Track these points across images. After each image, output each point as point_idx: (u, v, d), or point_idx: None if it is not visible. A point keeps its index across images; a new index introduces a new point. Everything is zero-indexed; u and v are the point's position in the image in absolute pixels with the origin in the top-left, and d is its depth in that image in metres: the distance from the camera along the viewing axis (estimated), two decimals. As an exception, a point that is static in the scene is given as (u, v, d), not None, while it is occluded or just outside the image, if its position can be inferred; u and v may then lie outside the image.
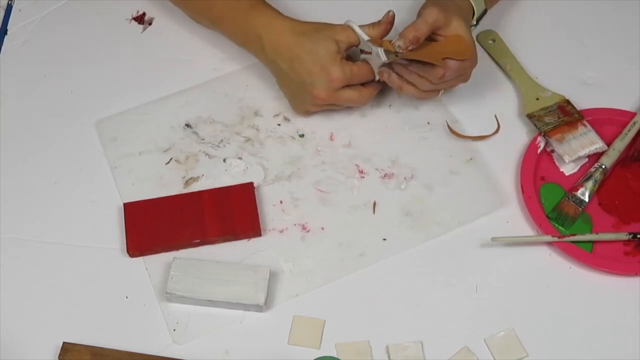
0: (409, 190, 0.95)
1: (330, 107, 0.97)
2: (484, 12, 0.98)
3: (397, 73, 0.93)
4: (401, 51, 0.89)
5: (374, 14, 0.95)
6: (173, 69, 1.03)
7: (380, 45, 0.90)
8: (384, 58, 0.91)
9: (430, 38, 0.92)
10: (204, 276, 0.87)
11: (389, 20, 0.94)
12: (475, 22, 0.97)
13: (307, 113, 0.99)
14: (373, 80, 0.95)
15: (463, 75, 0.94)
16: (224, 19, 0.98)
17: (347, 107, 0.98)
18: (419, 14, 0.91)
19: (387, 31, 0.94)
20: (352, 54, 0.96)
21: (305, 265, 0.90)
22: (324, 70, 0.91)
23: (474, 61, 0.93)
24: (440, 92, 0.96)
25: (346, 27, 0.93)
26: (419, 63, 0.91)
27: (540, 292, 0.89)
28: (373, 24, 0.94)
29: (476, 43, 0.95)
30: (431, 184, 0.95)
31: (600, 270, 0.90)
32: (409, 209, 0.94)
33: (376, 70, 0.94)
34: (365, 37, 0.92)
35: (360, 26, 0.93)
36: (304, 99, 0.96)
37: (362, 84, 0.95)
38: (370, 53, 0.93)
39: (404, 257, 0.91)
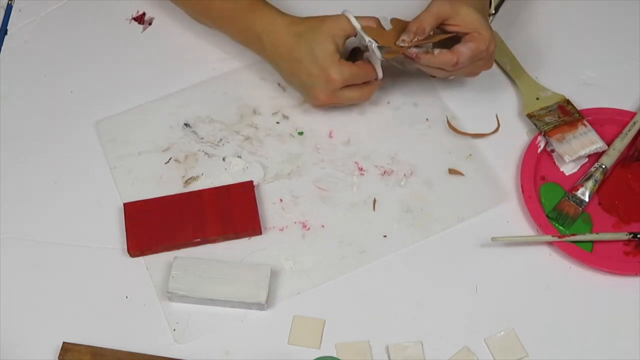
0: (408, 187, 0.95)
1: (333, 105, 0.97)
2: (502, 1, 0.97)
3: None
4: (405, 45, 0.89)
5: (374, 12, 0.95)
6: (172, 68, 1.03)
7: (386, 45, 0.90)
8: (378, 54, 0.91)
9: (444, 31, 0.92)
10: (205, 275, 0.87)
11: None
12: (494, 11, 0.97)
13: (317, 107, 0.99)
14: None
15: (483, 60, 0.93)
16: (224, 20, 0.98)
17: (348, 104, 0.98)
18: (426, 7, 0.91)
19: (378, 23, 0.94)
20: (353, 45, 0.95)
21: (306, 263, 0.90)
22: (322, 71, 0.91)
23: (490, 46, 0.91)
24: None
25: (341, 17, 0.93)
26: (431, 54, 0.90)
27: (540, 292, 0.89)
28: (366, 17, 0.94)
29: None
30: (431, 180, 0.95)
31: (600, 270, 0.90)
32: (409, 205, 0.94)
33: (377, 68, 0.94)
34: (362, 32, 0.92)
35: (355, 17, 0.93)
36: (307, 97, 0.96)
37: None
38: (367, 51, 0.93)
39: (404, 255, 0.91)
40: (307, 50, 0.92)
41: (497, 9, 0.98)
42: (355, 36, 0.94)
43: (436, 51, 0.90)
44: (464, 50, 0.90)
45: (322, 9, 0.95)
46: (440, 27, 0.92)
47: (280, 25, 0.94)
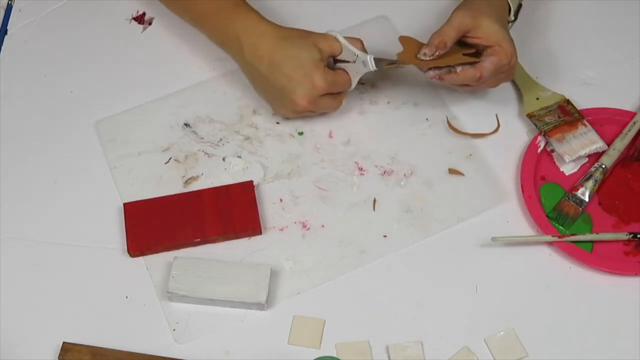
0: (408, 187, 0.95)
1: (308, 113, 0.96)
2: (520, 6, 0.97)
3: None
4: (427, 58, 0.89)
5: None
6: (172, 68, 1.04)
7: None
8: (372, 67, 0.91)
9: (464, 43, 0.92)
10: (205, 275, 0.87)
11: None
12: (513, 18, 0.97)
13: (286, 117, 0.99)
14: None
15: (504, 73, 0.92)
16: (206, 19, 0.97)
17: (344, 105, 0.98)
18: (448, 20, 0.91)
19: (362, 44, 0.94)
20: (328, 64, 0.95)
21: (306, 263, 0.90)
22: (307, 77, 0.91)
23: (512, 59, 0.91)
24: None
25: (328, 36, 0.93)
26: (454, 73, 0.90)
27: (540, 292, 0.89)
28: (352, 38, 0.93)
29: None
30: (431, 180, 0.95)
31: (600, 270, 0.90)
32: (409, 205, 0.94)
33: (354, 79, 0.94)
34: (351, 46, 0.92)
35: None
36: (282, 103, 0.95)
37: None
38: (349, 62, 0.93)
39: (404, 255, 0.91)
40: (293, 54, 0.91)
41: (516, 15, 0.97)
42: (337, 57, 0.93)
43: (459, 69, 0.90)
44: (486, 64, 0.90)
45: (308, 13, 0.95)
46: (461, 40, 0.91)
47: (263, 29, 0.93)
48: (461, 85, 0.93)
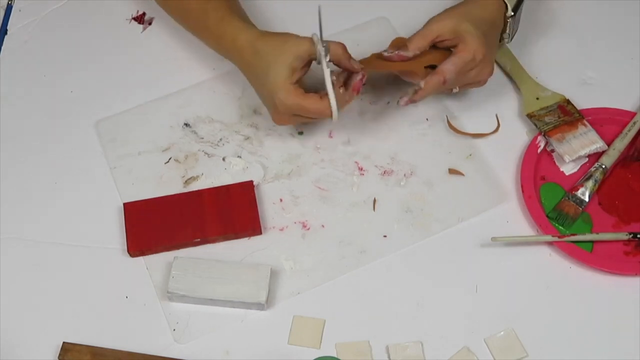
0: (408, 187, 0.95)
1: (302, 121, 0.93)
2: (521, 1, 0.96)
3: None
4: (387, 54, 0.90)
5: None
6: (172, 68, 1.04)
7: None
8: (324, 63, 0.87)
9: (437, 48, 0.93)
10: (205, 275, 0.87)
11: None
12: (512, 13, 0.95)
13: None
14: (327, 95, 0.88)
15: (475, 69, 0.92)
16: (202, 32, 0.97)
17: (343, 105, 0.98)
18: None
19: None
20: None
21: (306, 263, 0.90)
22: (269, 96, 0.89)
23: (477, 54, 0.90)
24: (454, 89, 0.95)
25: (305, 39, 0.88)
26: (420, 89, 0.91)
27: (540, 292, 0.89)
28: (335, 42, 0.90)
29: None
30: (431, 180, 0.95)
31: (600, 270, 0.90)
32: (409, 205, 0.94)
33: (332, 101, 0.87)
34: (316, 38, 0.87)
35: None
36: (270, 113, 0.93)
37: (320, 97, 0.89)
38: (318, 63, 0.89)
39: (404, 255, 0.91)
40: (262, 70, 0.89)
41: (515, 10, 0.95)
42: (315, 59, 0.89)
43: (422, 83, 0.90)
44: (447, 67, 0.90)
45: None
46: (435, 45, 0.92)
47: (244, 42, 0.91)
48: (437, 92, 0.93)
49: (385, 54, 0.92)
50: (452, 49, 0.92)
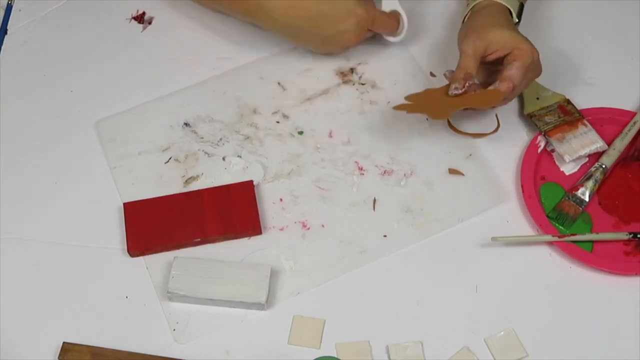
0: (408, 187, 0.95)
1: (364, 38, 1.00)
2: (522, 6, 0.97)
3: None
4: (459, 92, 0.90)
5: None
6: (172, 68, 1.03)
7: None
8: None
9: (497, 62, 0.92)
10: (205, 275, 0.87)
11: None
12: (517, 20, 0.96)
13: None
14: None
15: (532, 71, 0.92)
16: None
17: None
18: (460, 51, 0.92)
19: None
20: None
21: (306, 263, 0.90)
22: (345, 17, 0.94)
23: (534, 54, 0.91)
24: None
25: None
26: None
27: (540, 292, 0.89)
28: None
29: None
30: (431, 180, 0.95)
31: (600, 270, 0.90)
32: (409, 205, 0.94)
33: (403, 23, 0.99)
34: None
35: None
36: (332, 47, 0.99)
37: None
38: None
39: (404, 255, 0.91)
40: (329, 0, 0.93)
41: (519, 16, 0.96)
42: None
43: (491, 89, 0.90)
44: (513, 72, 0.90)
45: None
46: (482, 62, 0.92)
47: None
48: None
49: (456, 91, 0.90)
50: (501, 60, 0.91)
